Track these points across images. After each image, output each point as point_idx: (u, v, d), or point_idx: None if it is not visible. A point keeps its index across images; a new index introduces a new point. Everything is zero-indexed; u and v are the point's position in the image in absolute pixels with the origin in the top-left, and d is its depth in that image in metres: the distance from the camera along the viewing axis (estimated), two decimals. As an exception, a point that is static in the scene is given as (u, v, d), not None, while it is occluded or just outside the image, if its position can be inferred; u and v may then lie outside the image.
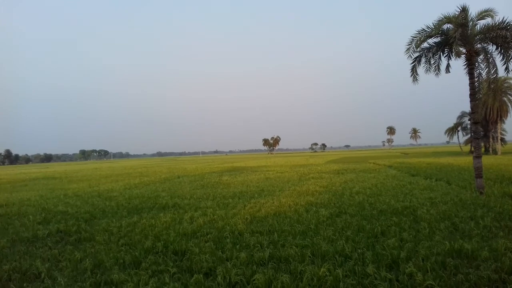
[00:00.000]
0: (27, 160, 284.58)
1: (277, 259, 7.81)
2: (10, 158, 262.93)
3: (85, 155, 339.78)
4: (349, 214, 12.38)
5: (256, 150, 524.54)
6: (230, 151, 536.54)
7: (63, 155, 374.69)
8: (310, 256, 7.82)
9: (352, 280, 6.48)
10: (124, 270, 7.47)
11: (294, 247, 8.42)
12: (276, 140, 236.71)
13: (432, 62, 17.07)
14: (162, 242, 9.35)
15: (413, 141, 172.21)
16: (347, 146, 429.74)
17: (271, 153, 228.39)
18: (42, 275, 7.37)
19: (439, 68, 17.08)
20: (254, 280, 6.57)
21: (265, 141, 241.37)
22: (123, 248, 9.14)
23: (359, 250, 8.10)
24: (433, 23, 15.90)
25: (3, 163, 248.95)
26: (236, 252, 8.28)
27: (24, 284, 6.91)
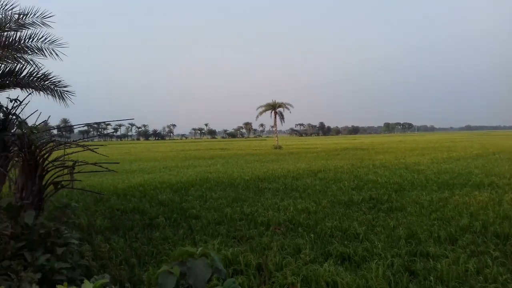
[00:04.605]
0: (337, 131, 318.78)
1: None
2: (323, 130, 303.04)
3: (389, 128, 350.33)
4: None
5: None
6: None
7: (369, 127, 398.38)
8: None
9: None
10: (439, 244, 7.25)
11: None
12: None
13: None
14: (480, 222, 8.56)
15: None
16: None
17: None
18: (360, 236, 7.99)
19: None
20: None
21: None
22: (435, 222, 8.87)
23: None
24: None
25: (318, 134, 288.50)
26: None
27: (345, 242, 7.65)
